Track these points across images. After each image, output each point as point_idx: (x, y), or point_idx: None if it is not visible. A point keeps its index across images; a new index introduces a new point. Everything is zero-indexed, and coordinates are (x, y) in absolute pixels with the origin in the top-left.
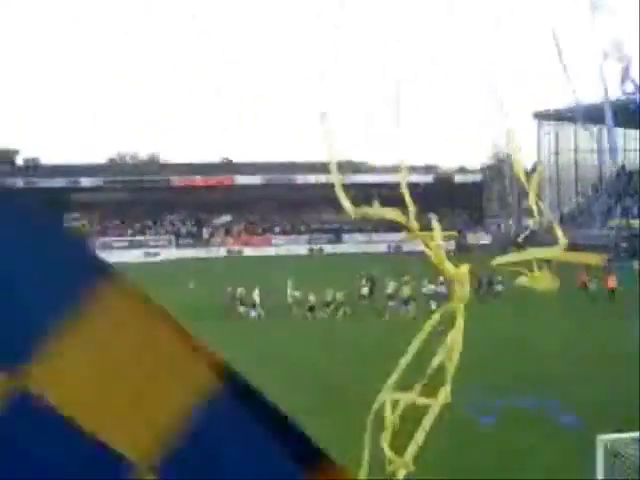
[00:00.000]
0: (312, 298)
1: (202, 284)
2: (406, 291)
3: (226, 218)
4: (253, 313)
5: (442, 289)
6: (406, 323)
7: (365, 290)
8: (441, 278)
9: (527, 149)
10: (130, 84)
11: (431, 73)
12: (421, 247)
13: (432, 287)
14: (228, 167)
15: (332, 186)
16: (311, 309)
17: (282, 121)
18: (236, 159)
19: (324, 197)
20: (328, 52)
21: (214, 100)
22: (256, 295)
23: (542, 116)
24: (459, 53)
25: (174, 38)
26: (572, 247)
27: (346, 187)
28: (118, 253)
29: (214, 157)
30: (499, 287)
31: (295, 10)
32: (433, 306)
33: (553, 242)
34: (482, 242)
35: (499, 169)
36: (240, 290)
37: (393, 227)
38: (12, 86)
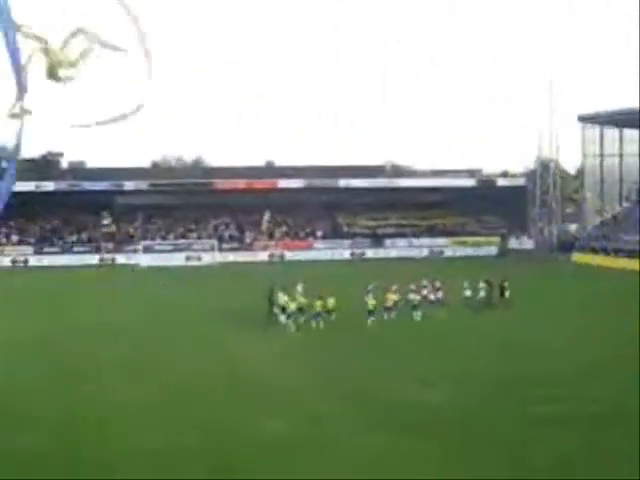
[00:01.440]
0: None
1: (243, 288)
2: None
3: (266, 217)
4: (287, 319)
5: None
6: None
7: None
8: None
9: (571, 153)
10: (176, 87)
11: (476, 76)
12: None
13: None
14: (271, 171)
15: (374, 191)
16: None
17: (324, 125)
18: (279, 162)
19: (366, 201)
20: (368, 57)
21: (258, 103)
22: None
23: (587, 119)
24: (504, 55)
25: (218, 40)
26: (615, 252)
27: (390, 191)
28: (161, 257)
29: (258, 161)
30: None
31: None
32: None
33: (596, 247)
34: (525, 247)
35: (542, 173)
36: (281, 295)
37: (434, 232)
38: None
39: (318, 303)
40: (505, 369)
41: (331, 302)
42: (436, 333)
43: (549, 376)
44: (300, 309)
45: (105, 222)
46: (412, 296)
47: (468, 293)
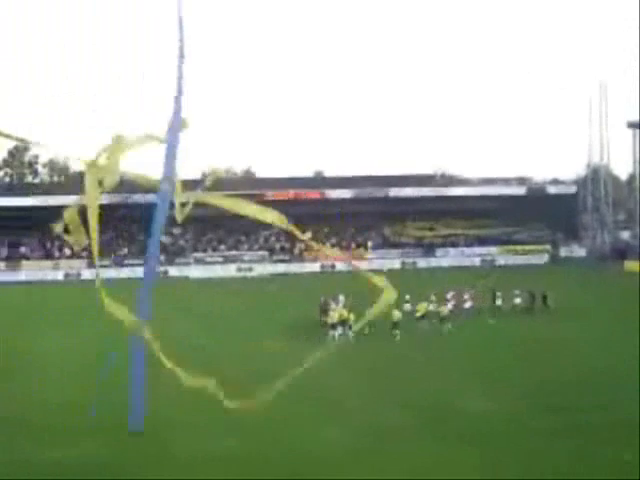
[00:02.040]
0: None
1: (296, 299)
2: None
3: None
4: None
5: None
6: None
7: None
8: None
9: (622, 158)
10: (225, 97)
11: (526, 82)
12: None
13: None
14: (320, 181)
15: (424, 200)
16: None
17: (373, 134)
18: (328, 172)
19: (416, 211)
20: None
21: (307, 114)
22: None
23: (637, 125)
24: (554, 59)
25: (271, 50)
26: None
27: (441, 200)
28: (212, 268)
29: (307, 171)
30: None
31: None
32: None
33: None
34: (576, 255)
35: (593, 179)
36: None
37: (485, 240)
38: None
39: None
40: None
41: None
42: (467, 344)
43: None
44: (343, 321)
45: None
46: (439, 308)
47: (517, 301)
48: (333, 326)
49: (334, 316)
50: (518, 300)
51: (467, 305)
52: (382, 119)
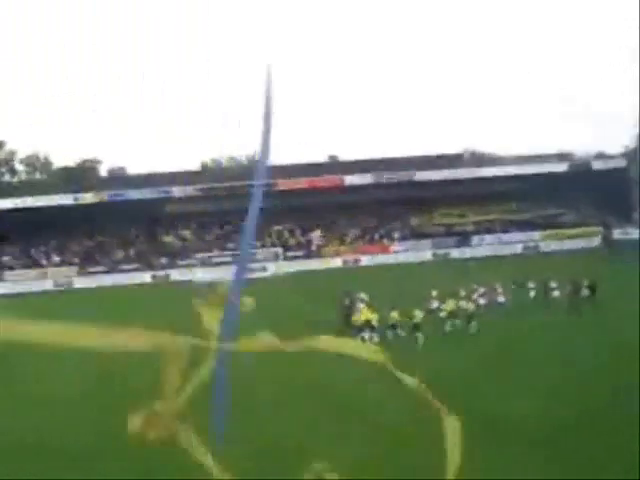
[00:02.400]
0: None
1: (315, 300)
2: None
3: (317, 233)
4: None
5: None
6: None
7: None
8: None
9: None
10: (221, 77)
11: (563, 45)
12: (561, 245)
13: None
14: (336, 166)
15: (454, 183)
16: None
17: (392, 112)
18: (344, 156)
19: (446, 195)
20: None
21: (317, 91)
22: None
23: None
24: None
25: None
26: None
27: (472, 182)
28: (219, 270)
29: (320, 156)
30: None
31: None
32: None
33: None
34: (631, 237)
35: None
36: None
37: (526, 225)
38: (92, 89)
39: (392, 315)
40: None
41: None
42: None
43: None
44: (368, 322)
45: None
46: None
47: (556, 293)
48: (360, 329)
49: (360, 317)
50: (556, 292)
51: (501, 299)
52: (403, 94)
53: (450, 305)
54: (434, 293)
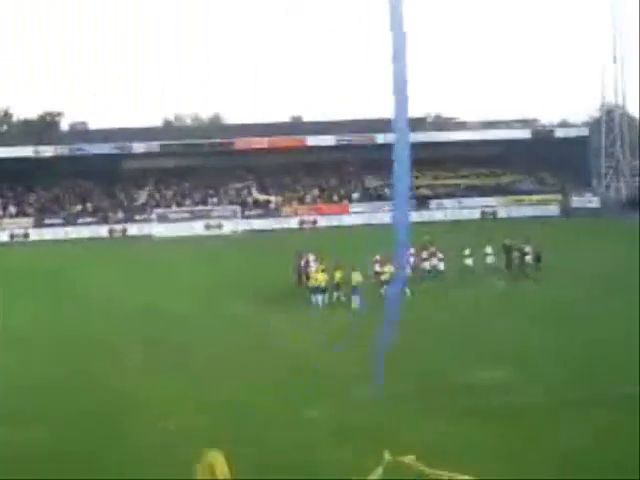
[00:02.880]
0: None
1: (272, 259)
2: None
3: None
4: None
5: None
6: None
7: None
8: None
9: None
10: (185, 36)
11: (529, 10)
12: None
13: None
14: (298, 127)
15: (415, 146)
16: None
17: (355, 73)
18: (307, 117)
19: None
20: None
21: (281, 50)
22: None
23: None
24: None
25: None
26: None
27: (432, 146)
28: (177, 226)
29: (283, 116)
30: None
31: None
32: None
33: None
34: (590, 206)
35: (607, 122)
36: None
37: (486, 191)
38: (54, 42)
39: (338, 275)
40: None
41: (356, 276)
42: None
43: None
44: (319, 284)
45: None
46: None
47: (490, 260)
48: (315, 290)
49: (317, 278)
50: (490, 259)
51: (427, 265)
52: (365, 53)
53: (388, 269)
54: (377, 257)
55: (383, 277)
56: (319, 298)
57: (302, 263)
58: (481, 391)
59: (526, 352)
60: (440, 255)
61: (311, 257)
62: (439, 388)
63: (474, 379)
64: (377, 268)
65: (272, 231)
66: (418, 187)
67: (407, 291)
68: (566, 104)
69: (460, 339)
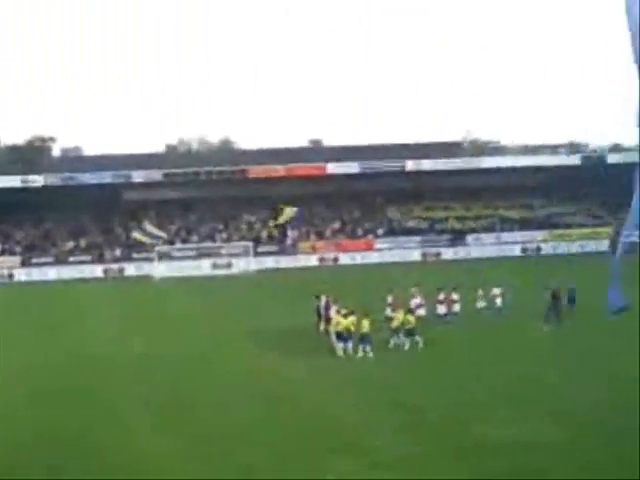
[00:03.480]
0: None
1: (288, 302)
2: None
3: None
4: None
5: None
6: None
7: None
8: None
9: None
10: (190, 50)
11: (576, 27)
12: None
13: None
14: (318, 152)
15: (450, 174)
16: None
17: (384, 94)
18: (328, 142)
19: (440, 188)
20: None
21: (298, 69)
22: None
23: None
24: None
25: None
26: None
27: (468, 173)
28: (181, 265)
29: (301, 140)
30: None
31: None
32: None
33: None
34: None
35: None
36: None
37: (529, 224)
38: (45, 57)
39: (365, 323)
40: None
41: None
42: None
43: None
44: (346, 330)
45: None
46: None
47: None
48: (339, 336)
49: (341, 323)
50: (499, 300)
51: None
52: (396, 74)
53: (400, 315)
54: (390, 298)
55: (394, 324)
56: (341, 345)
57: (322, 305)
58: None
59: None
60: (455, 297)
61: (331, 299)
62: None
63: None
64: (388, 312)
65: (288, 270)
66: (453, 220)
67: (418, 340)
68: (618, 126)
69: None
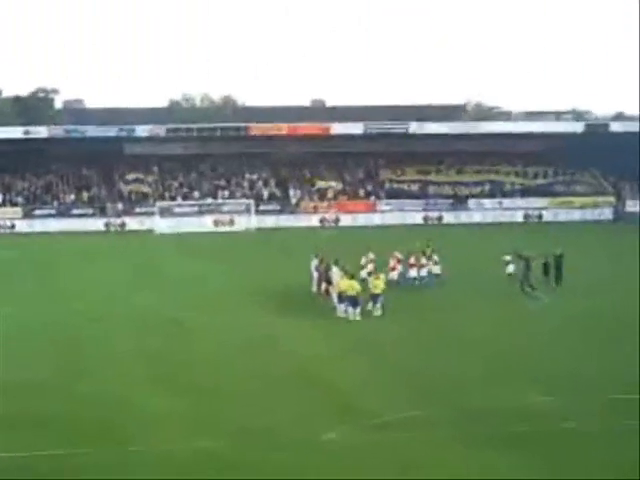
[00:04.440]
0: None
1: (289, 261)
2: None
3: (330, 183)
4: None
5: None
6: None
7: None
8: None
9: None
10: (195, 7)
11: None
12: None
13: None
14: (321, 112)
15: (452, 137)
16: None
17: (387, 55)
18: (331, 102)
19: (443, 151)
20: None
21: (304, 25)
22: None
23: None
24: None
25: None
26: None
27: (471, 138)
28: (182, 221)
29: (303, 99)
30: None
31: None
32: None
33: None
34: None
35: None
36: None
37: (530, 190)
38: (48, 11)
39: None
40: None
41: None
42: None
43: None
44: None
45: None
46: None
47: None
48: (340, 298)
49: (341, 284)
50: (510, 267)
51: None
52: (399, 34)
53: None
54: (363, 261)
55: (376, 289)
56: (349, 309)
57: (320, 267)
58: None
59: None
60: (435, 258)
61: (331, 261)
62: None
63: None
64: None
65: (289, 229)
66: (455, 184)
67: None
68: (623, 94)
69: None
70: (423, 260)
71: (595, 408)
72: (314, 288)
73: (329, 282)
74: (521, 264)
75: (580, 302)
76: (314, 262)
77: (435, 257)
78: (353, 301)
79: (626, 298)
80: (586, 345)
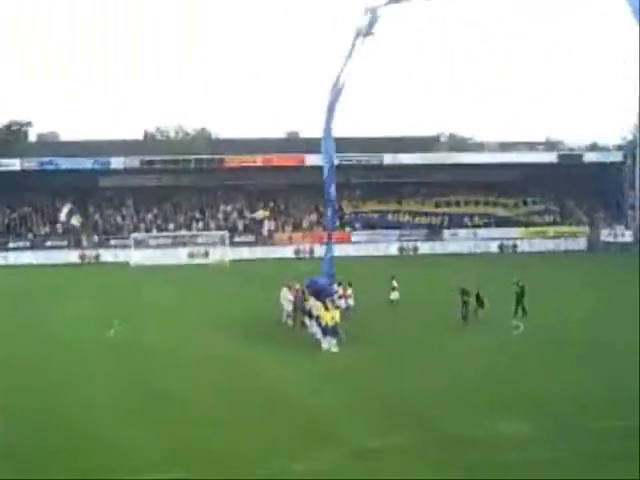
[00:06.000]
0: None
1: (264, 293)
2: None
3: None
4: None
5: None
6: None
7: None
8: None
9: None
10: (171, 38)
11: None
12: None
13: None
14: (296, 144)
15: (427, 168)
16: None
17: (362, 87)
18: (305, 133)
19: (417, 182)
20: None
21: (278, 59)
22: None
23: None
24: None
25: None
26: None
27: (445, 169)
28: (157, 253)
29: (279, 132)
30: None
31: None
32: None
33: None
34: (621, 240)
35: None
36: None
37: (505, 221)
38: (22, 39)
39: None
40: None
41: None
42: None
43: None
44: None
45: (63, 213)
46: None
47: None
48: (325, 330)
49: (326, 317)
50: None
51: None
52: (372, 67)
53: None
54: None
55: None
56: (333, 341)
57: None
58: None
59: None
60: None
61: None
62: None
63: None
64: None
65: (264, 261)
66: (430, 215)
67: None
68: (596, 125)
69: None
70: (349, 291)
71: (570, 435)
72: (283, 318)
73: (305, 313)
74: (462, 297)
75: (548, 330)
76: (283, 291)
77: (349, 291)
78: (334, 332)
79: (600, 327)
80: (553, 371)
